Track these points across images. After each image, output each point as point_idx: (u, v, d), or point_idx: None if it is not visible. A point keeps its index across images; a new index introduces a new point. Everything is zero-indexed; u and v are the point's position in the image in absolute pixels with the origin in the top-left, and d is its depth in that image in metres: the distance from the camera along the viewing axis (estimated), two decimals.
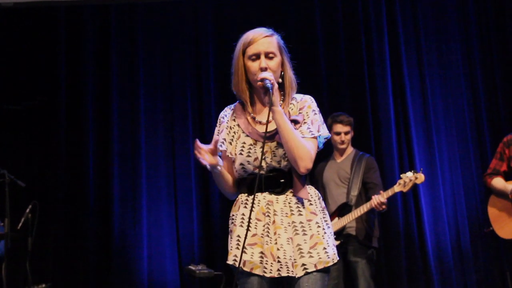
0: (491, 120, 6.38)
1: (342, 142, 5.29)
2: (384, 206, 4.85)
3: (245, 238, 2.78)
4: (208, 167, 2.79)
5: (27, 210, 5.14)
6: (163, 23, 6.67)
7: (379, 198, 4.84)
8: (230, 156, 2.92)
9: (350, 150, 5.37)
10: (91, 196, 6.30)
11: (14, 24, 6.45)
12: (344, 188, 5.18)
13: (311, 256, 2.79)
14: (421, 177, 4.94)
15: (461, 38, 6.54)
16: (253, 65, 2.87)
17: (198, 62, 6.61)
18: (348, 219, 4.99)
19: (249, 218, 2.80)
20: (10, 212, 5.12)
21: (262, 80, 2.80)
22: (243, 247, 2.78)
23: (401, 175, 4.99)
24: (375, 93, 6.44)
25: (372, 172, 5.18)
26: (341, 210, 5.04)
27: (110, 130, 6.43)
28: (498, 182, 4.81)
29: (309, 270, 2.78)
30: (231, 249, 2.86)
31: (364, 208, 4.95)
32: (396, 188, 4.92)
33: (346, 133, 5.29)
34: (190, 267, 5.35)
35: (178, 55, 6.61)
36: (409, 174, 4.94)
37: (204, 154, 2.77)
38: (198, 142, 2.78)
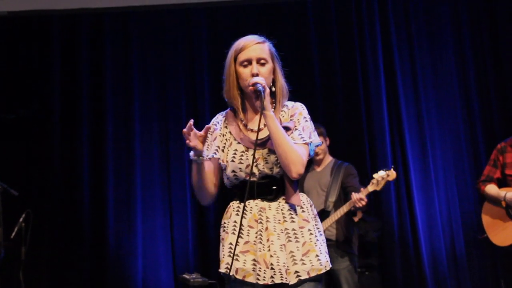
0: (485, 127, 6.40)
1: (317, 154, 5.29)
2: (363, 202, 4.85)
3: (236, 245, 2.78)
4: (192, 155, 2.78)
5: (21, 219, 5.11)
6: (157, 31, 6.69)
7: (358, 195, 4.87)
8: (222, 163, 2.91)
9: (329, 159, 5.39)
10: (85, 205, 6.29)
11: (8, 32, 6.45)
12: (325, 195, 5.19)
13: (303, 264, 2.78)
14: (392, 174, 4.99)
15: (455, 46, 6.56)
16: (245, 71, 2.87)
17: (192, 69, 6.63)
18: (327, 224, 5.00)
19: (240, 225, 2.79)
20: (4, 221, 5.09)
21: (254, 84, 2.79)
22: (234, 254, 2.77)
23: (373, 175, 5.02)
24: (369, 101, 6.45)
25: (352, 178, 5.20)
26: (319, 217, 5.04)
27: (104, 138, 6.43)
28: (491, 189, 4.81)
29: (302, 278, 2.76)
30: (223, 257, 2.84)
31: (344, 209, 4.97)
32: (370, 188, 4.96)
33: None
34: (184, 275, 5.33)
35: (172, 62, 6.63)
36: (381, 172, 4.99)
37: (193, 137, 2.75)
38: (191, 122, 2.76)
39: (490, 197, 4.81)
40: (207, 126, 2.81)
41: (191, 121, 2.76)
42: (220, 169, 2.91)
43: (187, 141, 2.74)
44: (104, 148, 6.42)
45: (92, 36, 6.64)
